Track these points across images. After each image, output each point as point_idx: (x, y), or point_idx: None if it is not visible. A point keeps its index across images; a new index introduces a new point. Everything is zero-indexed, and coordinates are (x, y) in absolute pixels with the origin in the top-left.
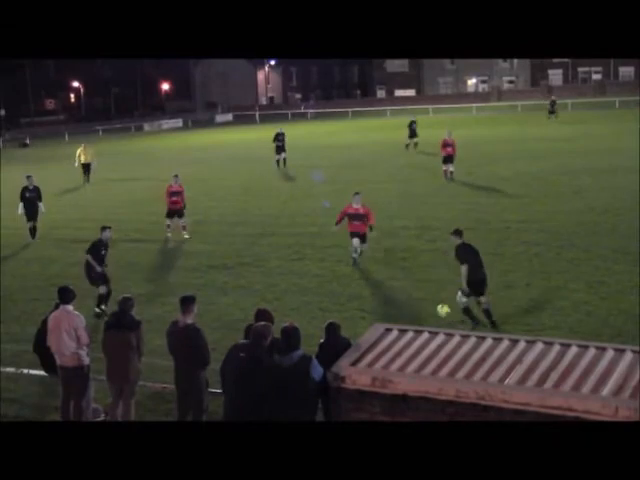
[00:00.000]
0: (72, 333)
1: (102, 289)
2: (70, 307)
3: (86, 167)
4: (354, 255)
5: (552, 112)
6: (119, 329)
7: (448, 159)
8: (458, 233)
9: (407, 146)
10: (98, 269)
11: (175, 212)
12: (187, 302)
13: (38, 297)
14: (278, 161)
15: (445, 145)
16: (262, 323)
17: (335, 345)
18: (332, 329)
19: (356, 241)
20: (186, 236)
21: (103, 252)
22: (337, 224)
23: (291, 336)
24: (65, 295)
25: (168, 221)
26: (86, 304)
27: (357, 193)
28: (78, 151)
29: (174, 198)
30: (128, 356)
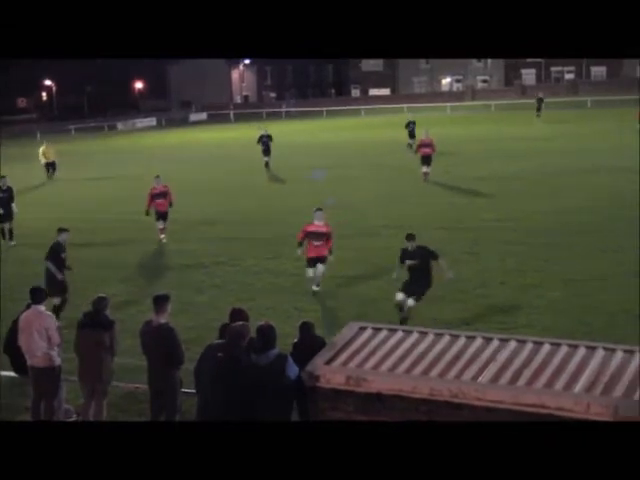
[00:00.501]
0: (43, 333)
1: (56, 300)
2: (42, 307)
3: (50, 165)
4: (315, 288)
5: (539, 109)
6: (92, 328)
7: (425, 160)
8: (412, 237)
9: (409, 146)
10: (59, 276)
11: (161, 215)
12: (160, 301)
13: (15, 298)
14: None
15: (422, 145)
16: (240, 323)
17: (309, 344)
18: (306, 328)
19: (315, 270)
20: (164, 240)
21: (63, 255)
22: (300, 244)
23: (266, 335)
24: (37, 295)
25: (160, 224)
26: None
27: (319, 209)
28: (41, 150)
29: (159, 200)
30: (101, 356)
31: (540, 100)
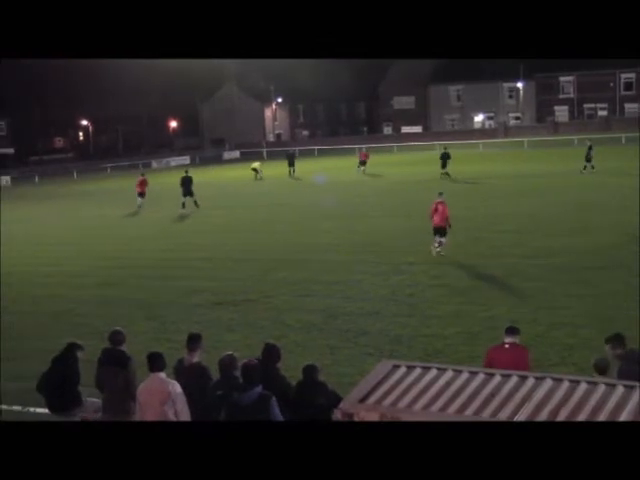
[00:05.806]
0: (171, 405)
1: None
2: (163, 375)
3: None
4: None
5: (589, 160)
6: (110, 365)
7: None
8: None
9: (442, 175)
10: None
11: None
12: (193, 340)
13: (47, 334)
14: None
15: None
16: (227, 353)
17: (310, 388)
18: (308, 371)
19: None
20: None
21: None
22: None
23: (251, 373)
24: (157, 361)
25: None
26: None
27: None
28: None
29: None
30: (121, 392)
31: (590, 148)
